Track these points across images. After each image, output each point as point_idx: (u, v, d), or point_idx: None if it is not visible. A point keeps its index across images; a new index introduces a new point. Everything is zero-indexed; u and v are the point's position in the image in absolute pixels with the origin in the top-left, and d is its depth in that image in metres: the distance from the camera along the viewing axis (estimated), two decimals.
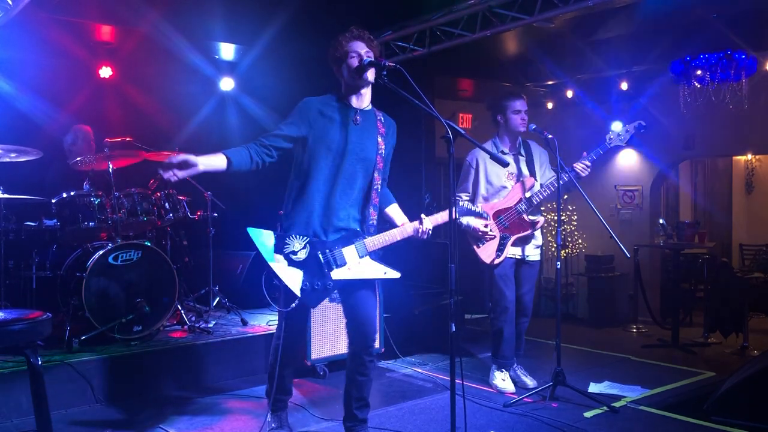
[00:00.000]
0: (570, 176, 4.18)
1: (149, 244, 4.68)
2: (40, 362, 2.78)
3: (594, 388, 4.51)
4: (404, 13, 5.60)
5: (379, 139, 3.20)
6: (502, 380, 4.44)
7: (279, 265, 2.98)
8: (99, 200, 4.67)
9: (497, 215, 4.35)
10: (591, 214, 4.31)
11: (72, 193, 4.65)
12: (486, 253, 4.35)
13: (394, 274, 3.19)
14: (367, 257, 3.14)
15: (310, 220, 3.08)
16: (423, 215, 3.19)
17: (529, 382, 4.49)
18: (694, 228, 6.71)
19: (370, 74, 3.06)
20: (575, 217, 8.11)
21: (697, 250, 7.23)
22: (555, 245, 4.33)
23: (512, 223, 4.33)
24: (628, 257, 4.26)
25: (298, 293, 3.00)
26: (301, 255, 3.01)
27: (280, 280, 2.99)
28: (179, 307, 4.91)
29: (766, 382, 3.92)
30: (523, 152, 4.49)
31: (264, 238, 2.99)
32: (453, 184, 2.81)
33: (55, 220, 4.68)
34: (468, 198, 4.49)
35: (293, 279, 2.99)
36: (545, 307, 8.09)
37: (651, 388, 4.55)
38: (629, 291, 7.55)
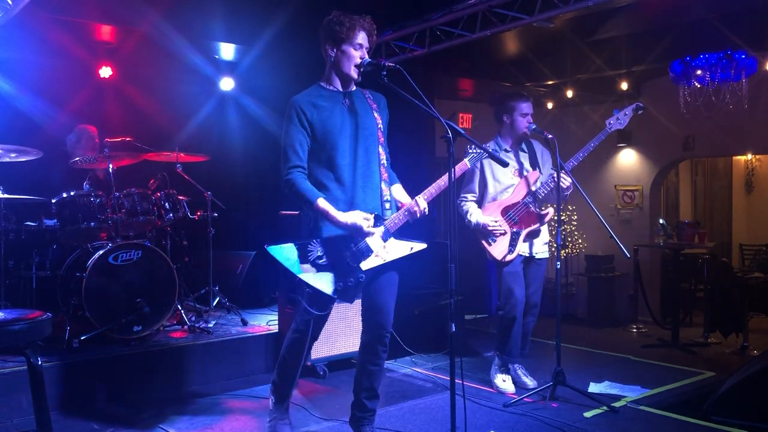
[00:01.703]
0: (553, 180, 4.22)
1: (149, 244, 4.68)
2: (40, 362, 2.78)
3: (594, 388, 4.52)
4: (404, 13, 5.59)
5: (375, 114, 3.20)
6: (503, 381, 4.45)
7: (308, 275, 2.95)
8: (99, 200, 4.67)
9: (506, 211, 4.35)
10: (591, 214, 4.31)
11: (72, 193, 4.64)
12: (498, 249, 4.33)
13: (421, 246, 3.17)
14: (392, 238, 3.12)
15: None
16: (417, 197, 3.16)
17: (529, 382, 4.49)
18: (694, 228, 6.71)
19: (360, 76, 3.08)
20: (575, 217, 8.11)
21: (697, 250, 7.23)
22: (555, 245, 4.33)
23: (521, 218, 4.32)
24: (628, 257, 4.26)
25: (334, 295, 2.99)
26: (327, 258, 2.99)
27: (312, 288, 2.96)
28: (179, 307, 4.91)
29: (766, 382, 3.93)
30: (525, 148, 4.51)
31: (286, 253, 2.95)
32: (453, 184, 2.81)
33: (55, 220, 4.68)
34: (474, 199, 4.47)
35: (325, 283, 2.97)
36: (545, 307, 8.02)
37: (651, 388, 4.55)
38: (629, 291, 7.55)
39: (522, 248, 4.36)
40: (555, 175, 4.22)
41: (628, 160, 7.96)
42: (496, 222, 4.30)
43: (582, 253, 8.02)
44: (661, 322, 7.11)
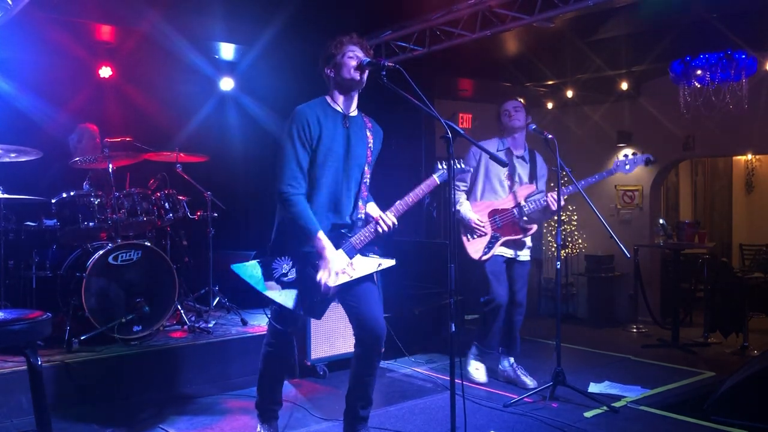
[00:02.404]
0: (546, 200, 4.31)
1: (149, 244, 4.68)
2: (40, 362, 2.78)
3: (594, 388, 4.52)
4: (404, 13, 5.59)
5: (369, 143, 3.20)
6: (476, 369, 4.56)
7: (274, 292, 2.96)
8: (99, 200, 4.67)
9: (492, 214, 4.42)
10: (591, 214, 4.32)
11: (72, 193, 4.64)
12: (474, 248, 4.42)
13: (389, 263, 3.15)
14: (358, 255, 3.10)
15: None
16: (385, 213, 3.16)
17: (529, 382, 4.50)
18: (694, 228, 6.71)
19: (365, 76, 3.06)
20: (575, 217, 8.11)
21: (697, 250, 7.23)
22: (555, 245, 4.35)
23: (506, 225, 4.40)
24: (628, 257, 4.27)
25: (301, 311, 2.99)
26: (292, 275, 2.99)
27: (279, 305, 2.97)
28: (179, 307, 4.91)
29: (766, 382, 3.93)
30: (527, 159, 4.56)
31: (250, 270, 2.97)
32: (452, 185, 2.81)
33: (55, 220, 4.68)
34: (465, 188, 4.54)
35: (292, 299, 2.97)
36: (545, 307, 8.08)
37: (651, 388, 4.55)
38: (629, 291, 7.55)
39: (503, 251, 4.45)
40: (547, 196, 4.31)
41: None
42: (480, 222, 4.39)
43: (582, 253, 8.02)
44: (661, 322, 7.11)
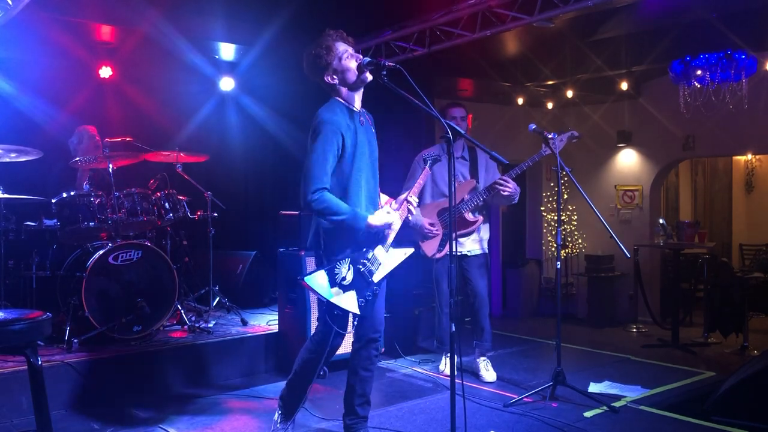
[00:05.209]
0: (486, 193, 4.45)
1: (149, 244, 4.68)
2: (40, 362, 2.78)
3: (594, 387, 4.52)
4: (404, 13, 5.59)
5: (373, 130, 3.30)
6: (444, 365, 4.84)
7: (338, 298, 3.01)
8: (99, 200, 4.67)
9: (441, 213, 4.59)
10: (591, 214, 4.32)
11: (72, 193, 4.65)
12: (429, 247, 4.61)
13: (411, 250, 3.31)
14: (390, 248, 3.20)
15: (354, 233, 3.05)
16: (408, 196, 3.27)
17: (486, 376, 4.66)
18: (694, 228, 6.71)
19: (369, 74, 3.06)
20: (575, 217, 8.11)
21: (697, 250, 7.23)
22: (555, 245, 4.36)
23: (454, 221, 4.48)
24: (628, 257, 4.27)
25: (359, 312, 3.07)
26: (349, 277, 3.06)
27: (341, 309, 3.03)
28: (179, 307, 4.91)
29: (766, 382, 3.93)
30: (467, 157, 4.68)
31: (319, 280, 2.99)
32: (452, 184, 2.81)
33: (55, 220, 4.68)
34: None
35: (351, 302, 3.05)
36: (545, 307, 8.08)
37: (651, 388, 4.55)
38: (629, 291, 7.56)
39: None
40: (493, 185, 4.39)
41: (628, 160, 7.96)
42: (432, 225, 4.57)
43: (582, 253, 8.02)
44: (661, 322, 7.11)
